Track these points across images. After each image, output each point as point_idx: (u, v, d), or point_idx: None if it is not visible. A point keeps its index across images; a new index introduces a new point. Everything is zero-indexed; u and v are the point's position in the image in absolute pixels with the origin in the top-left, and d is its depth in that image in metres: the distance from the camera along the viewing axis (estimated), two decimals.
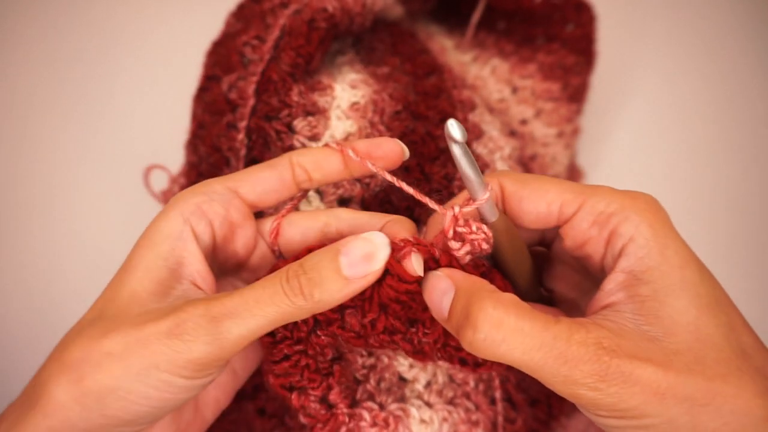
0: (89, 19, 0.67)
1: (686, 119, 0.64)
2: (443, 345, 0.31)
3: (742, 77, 0.65)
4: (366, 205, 0.42)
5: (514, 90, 0.57)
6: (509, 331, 0.26)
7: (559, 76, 0.56)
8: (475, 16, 0.57)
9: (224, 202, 0.32)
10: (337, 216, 0.34)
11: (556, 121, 0.56)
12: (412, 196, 0.43)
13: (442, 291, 0.28)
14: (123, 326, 0.27)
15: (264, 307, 0.27)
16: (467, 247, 0.30)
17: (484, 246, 0.30)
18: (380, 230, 0.32)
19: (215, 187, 0.32)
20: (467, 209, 0.30)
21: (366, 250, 0.29)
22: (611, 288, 0.28)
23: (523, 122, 0.56)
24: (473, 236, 0.30)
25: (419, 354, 0.32)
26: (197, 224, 0.31)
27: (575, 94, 0.57)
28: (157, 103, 0.61)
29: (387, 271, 0.29)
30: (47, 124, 0.61)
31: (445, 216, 0.30)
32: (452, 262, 0.30)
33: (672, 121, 0.64)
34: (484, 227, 0.30)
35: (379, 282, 0.30)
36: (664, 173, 0.61)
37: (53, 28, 0.66)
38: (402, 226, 0.33)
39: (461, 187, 0.44)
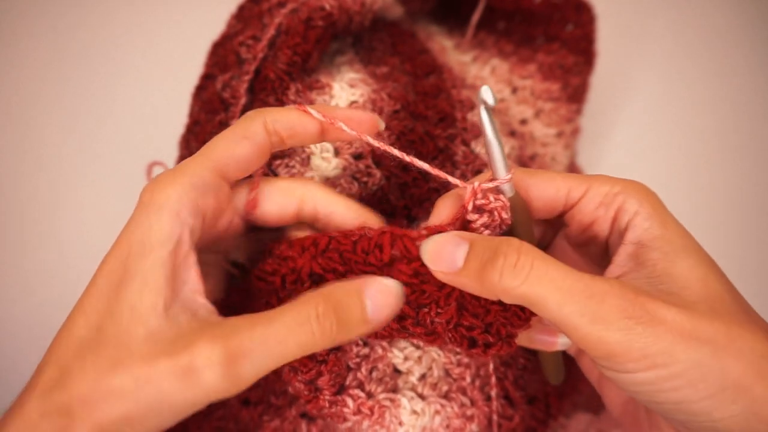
0: (95, 18, 0.67)
1: (686, 119, 0.64)
2: (455, 325, 0.31)
3: (742, 77, 0.65)
4: (364, 204, 0.42)
5: (514, 90, 0.57)
6: (538, 259, 0.27)
7: (558, 76, 0.56)
8: (475, 16, 0.57)
9: (215, 192, 0.31)
10: (312, 192, 0.34)
11: (556, 121, 0.56)
12: (410, 196, 0.43)
13: (455, 244, 0.29)
14: (132, 360, 0.26)
15: (285, 347, 0.27)
16: (485, 218, 0.31)
17: (504, 215, 0.31)
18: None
19: (204, 176, 0.30)
20: (488, 185, 0.31)
21: (388, 300, 0.30)
22: (622, 259, 0.30)
23: (523, 122, 0.56)
24: (492, 205, 0.30)
25: (432, 335, 0.32)
26: (194, 224, 0.29)
27: (575, 94, 0.57)
28: (160, 102, 0.61)
29: (397, 257, 0.30)
30: (51, 122, 0.62)
31: (466, 190, 0.31)
32: None
33: (672, 121, 0.64)
34: (502, 196, 0.31)
35: (389, 266, 0.30)
36: (664, 173, 0.61)
37: (59, 26, 0.66)
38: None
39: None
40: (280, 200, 0.34)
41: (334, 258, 0.31)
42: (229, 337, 0.26)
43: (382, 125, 0.34)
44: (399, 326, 0.31)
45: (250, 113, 0.32)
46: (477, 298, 0.31)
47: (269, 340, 0.26)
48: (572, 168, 0.58)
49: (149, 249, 0.28)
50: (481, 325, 0.31)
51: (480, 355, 0.32)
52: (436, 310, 0.31)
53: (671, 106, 0.64)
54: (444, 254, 0.29)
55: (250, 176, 0.34)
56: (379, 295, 0.29)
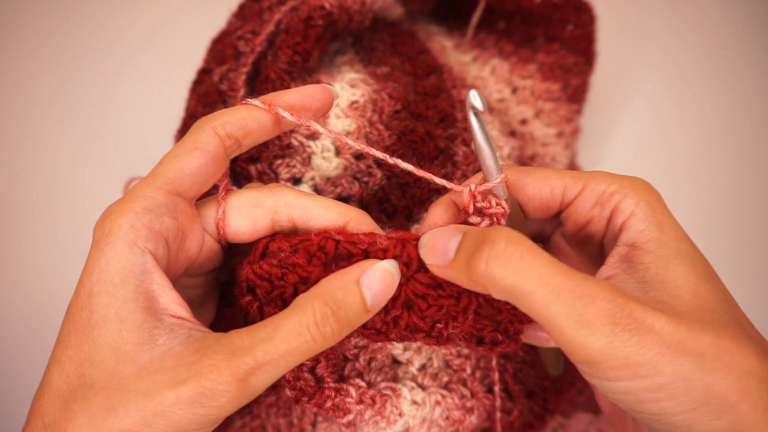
0: (95, 20, 0.67)
1: (686, 119, 0.64)
2: (469, 333, 0.31)
3: (742, 77, 0.65)
4: (365, 203, 0.42)
5: (514, 90, 0.57)
6: (527, 250, 0.26)
7: (559, 76, 0.56)
8: (475, 16, 0.57)
9: (172, 211, 0.28)
10: (284, 201, 0.31)
11: (556, 121, 0.56)
12: (411, 196, 0.43)
13: (449, 236, 0.28)
14: (131, 397, 0.25)
15: (290, 358, 0.26)
16: (486, 222, 0.30)
17: (502, 222, 0.31)
18: (343, 228, 0.31)
19: (157, 197, 0.28)
20: (483, 187, 0.30)
21: (386, 283, 0.28)
22: (615, 261, 0.29)
23: (523, 122, 0.56)
24: (492, 210, 0.30)
25: (443, 341, 0.32)
26: (155, 249, 0.27)
27: (575, 94, 0.57)
28: (161, 101, 0.61)
29: (419, 267, 0.29)
30: (49, 119, 0.62)
31: (462, 193, 0.31)
32: None
33: (671, 121, 0.64)
34: (503, 202, 0.30)
35: (406, 279, 0.30)
36: (664, 173, 0.61)
37: (58, 24, 0.66)
38: (365, 225, 0.31)
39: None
40: (251, 214, 0.31)
41: (342, 265, 0.30)
42: (234, 359, 0.25)
43: (335, 93, 0.32)
44: (411, 336, 0.31)
45: (197, 122, 0.30)
46: (489, 302, 0.30)
47: (273, 356, 0.25)
48: (572, 168, 0.59)
49: (113, 286, 0.26)
50: (491, 324, 0.31)
51: (486, 352, 0.32)
52: (452, 325, 0.30)
53: (671, 106, 0.64)
54: (438, 246, 0.28)
55: (216, 189, 0.32)
56: (378, 283, 0.28)
